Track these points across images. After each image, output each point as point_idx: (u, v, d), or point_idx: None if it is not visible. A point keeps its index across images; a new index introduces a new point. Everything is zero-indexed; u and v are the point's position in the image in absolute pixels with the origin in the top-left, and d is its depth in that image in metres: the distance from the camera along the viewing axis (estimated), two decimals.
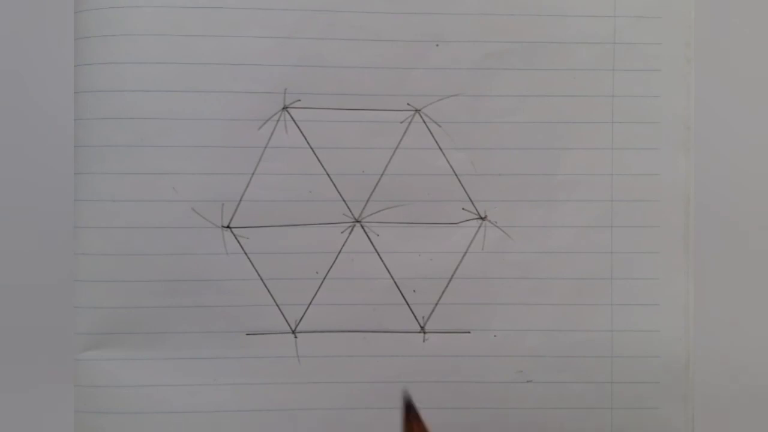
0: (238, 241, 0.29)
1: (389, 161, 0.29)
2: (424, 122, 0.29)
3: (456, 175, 0.29)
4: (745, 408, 0.28)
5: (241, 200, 0.28)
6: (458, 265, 0.29)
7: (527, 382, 0.29)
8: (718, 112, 0.29)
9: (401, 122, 0.29)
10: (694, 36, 0.29)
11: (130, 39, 0.28)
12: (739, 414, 0.28)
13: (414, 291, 0.29)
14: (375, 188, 0.29)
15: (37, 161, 0.26)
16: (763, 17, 0.29)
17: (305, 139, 0.29)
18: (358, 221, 0.29)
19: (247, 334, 0.29)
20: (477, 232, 0.29)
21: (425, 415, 0.29)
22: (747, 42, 0.29)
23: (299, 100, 0.29)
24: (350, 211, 0.29)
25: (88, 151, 0.28)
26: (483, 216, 0.29)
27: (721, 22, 0.29)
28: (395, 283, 0.29)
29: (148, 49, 0.28)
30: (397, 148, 0.29)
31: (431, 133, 0.29)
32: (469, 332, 0.29)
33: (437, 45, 0.29)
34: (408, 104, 0.29)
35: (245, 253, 0.28)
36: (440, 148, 0.29)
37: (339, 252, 0.29)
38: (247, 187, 0.28)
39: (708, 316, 0.29)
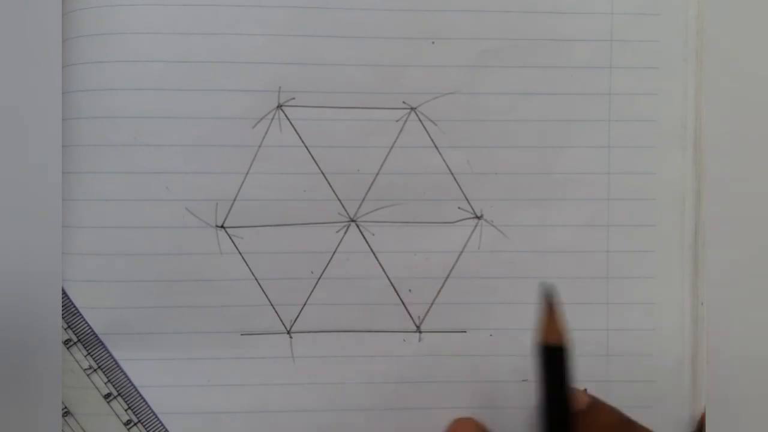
0: (233, 241, 0.28)
1: (385, 160, 0.29)
2: (420, 121, 0.29)
3: (452, 173, 0.29)
4: (743, 406, 0.28)
5: (235, 199, 0.28)
6: (454, 264, 0.29)
7: (523, 381, 0.29)
8: (716, 110, 0.29)
9: (397, 121, 0.29)
10: (692, 34, 0.29)
11: (123, 38, 0.28)
12: (737, 412, 0.28)
13: (410, 290, 0.29)
14: (370, 187, 0.29)
15: (24, 161, 0.26)
16: (763, 15, 0.28)
17: (300, 137, 0.28)
18: (353, 220, 0.29)
19: (242, 335, 0.28)
20: (473, 231, 0.29)
21: (421, 415, 0.29)
22: (745, 40, 0.29)
23: (294, 99, 0.28)
24: (345, 211, 0.29)
25: (80, 151, 0.28)
26: (479, 215, 0.29)
27: (719, 20, 0.29)
28: (391, 282, 0.29)
29: (141, 48, 0.28)
30: (392, 146, 0.29)
31: (427, 132, 0.29)
32: (465, 332, 0.29)
33: (433, 42, 0.29)
34: (403, 102, 0.29)
35: (239, 253, 0.28)
36: (436, 147, 0.29)
37: (334, 251, 0.29)
38: (242, 186, 0.28)
39: (703, 315, 0.29)
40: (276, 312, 0.28)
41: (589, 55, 0.29)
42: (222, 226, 0.28)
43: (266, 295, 0.28)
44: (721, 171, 0.29)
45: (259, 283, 0.28)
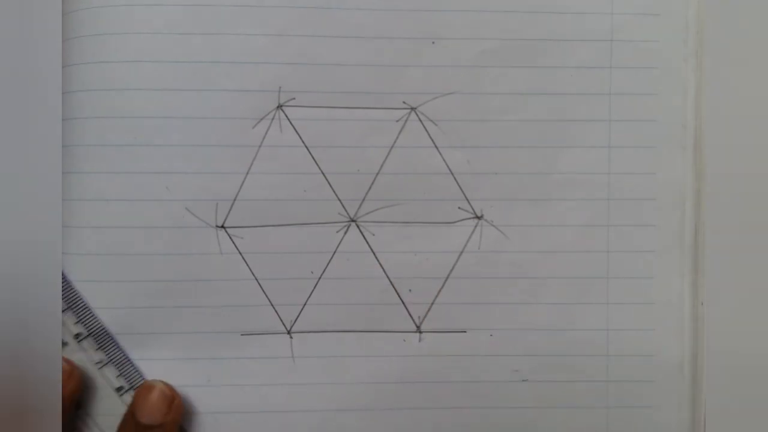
0: (233, 241, 0.28)
1: (385, 160, 0.29)
2: (420, 121, 0.29)
3: (452, 173, 0.29)
4: (742, 406, 0.28)
5: (235, 200, 0.28)
6: (454, 264, 0.29)
7: (523, 381, 0.29)
8: (716, 110, 0.29)
9: (397, 121, 0.29)
10: (692, 34, 0.29)
11: (123, 38, 0.28)
12: (737, 412, 0.28)
13: (410, 290, 0.29)
14: (370, 187, 0.29)
15: (24, 161, 0.26)
16: (762, 16, 0.28)
17: (300, 137, 0.28)
18: (353, 220, 0.29)
19: (242, 335, 0.28)
20: (473, 231, 0.29)
21: (421, 415, 0.29)
22: (745, 40, 0.29)
23: (294, 99, 0.28)
24: (345, 211, 0.29)
25: (80, 151, 0.28)
26: (479, 215, 0.29)
27: (719, 20, 0.29)
28: (391, 282, 0.29)
29: (141, 48, 0.28)
30: (392, 146, 0.29)
31: (427, 132, 0.29)
32: (465, 332, 0.29)
33: (433, 43, 0.29)
34: (404, 102, 0.29)
35: (240, 253, 0.28)
36: (436, 147, 0.29)
37: (334, 251, 0.29)
38: (242, 186, 0.28)
39: (703, 315, 0.29)
40: (276, 312, 0.28)
41: (589, 55, 0.29)
42: (222, 226, 0.28)
43: (266, 296, 0.28)
44: (721, 171, 0.29)
45: (259, 283, 0.28)
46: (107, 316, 0.28)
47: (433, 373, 0.29)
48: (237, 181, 0.28)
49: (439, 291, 0.29)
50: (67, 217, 0.28)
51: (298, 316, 0.29)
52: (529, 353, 0.29)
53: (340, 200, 0.29)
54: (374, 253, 0.29)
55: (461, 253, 0.29)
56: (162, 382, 0.28)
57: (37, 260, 0.25)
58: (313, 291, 0.28)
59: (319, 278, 0.28)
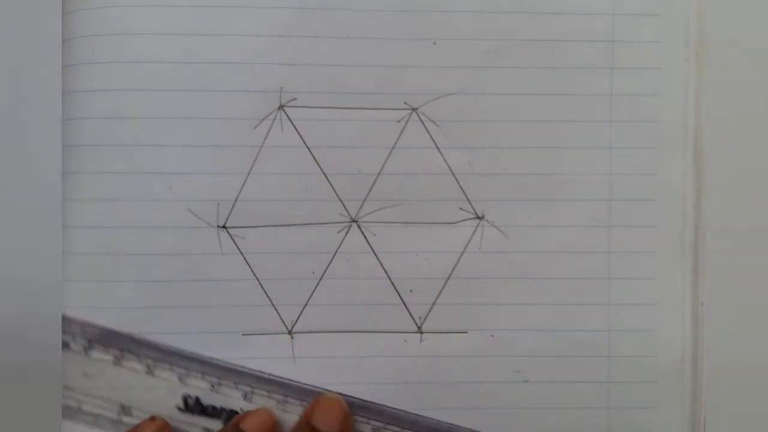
0: (234, 241, 0.28)
1: (386, 160, 0.28)
2: (421, 121, 0.29)
3: (453, 174, 0.29)
4: (743, 407, 0.28)
5: (236, 200, 0.28)
6: (455, 264, 0.29)
7: (524, 381, 0.29)
8: (717, 111, 0.29)
9: (398, 121, 0.29)
10: (693, 34, 0.29)
11: (123, 38, 0.28)
12: (738, 413, 0.28)
13: (411, 291, 0.29)
14: (372, 188, 0.28)
15: (24, 161, 0.26)
16: (763, 16, 0.29)
17: (301, 138, 0.28)
18: (354, 221, 0.29)
19: (243, 335, 0.28)
20: (474, 231, 0.29)
21: (422, 416, 0.29)
22: (747, 40, 0.29)
23: (295, 99, 0.28)
24: (347, 211, 0.29)
25: (80, 151, 0.28)
26: (480, 215, 0.29)
27: (720, 21, 0.29)
28: (392, 283, 0.29)
29: (142, 49, 0.28)
30: (394, 147, 0.29)
31: (428, 132, 0.29)
32: (466, 332, 0.29)
33: (434, 43, 0.29)
34: (405, 103, 0.29)
35: (241, 253, 0.28)
36: (437, 147, 0.29)
37: (335, 252, 0.28)
38: (243, 186, 0.28)
39: (704, 316, 0.29)
40: (277, 312, 0.28)
41: (590, 56, 0.29)
42: (224, 227, 0.28)
43: (267, 296, 0.28)
44: (721, 171, 0.29)
45: (260, 284, 0.28)
46: (107, 316, 0.28)
47: (434, 374, 0.29)
48: (238, 181, 0.28)
49: (440, 291, 0.29)
50: (67, 217, 0.28)
51: (299, 317, 0.29)
52: (530, 354, 0.29)
53: (341, 200, 0.29)
54: (375, 254, 0.29)
55: (462, 253, 0.29)
56: (340, 396, 0.28)
57: (37, 261, 0.25)
58: (314, 291, 0.28)
59: (321, 278, 0.28)
